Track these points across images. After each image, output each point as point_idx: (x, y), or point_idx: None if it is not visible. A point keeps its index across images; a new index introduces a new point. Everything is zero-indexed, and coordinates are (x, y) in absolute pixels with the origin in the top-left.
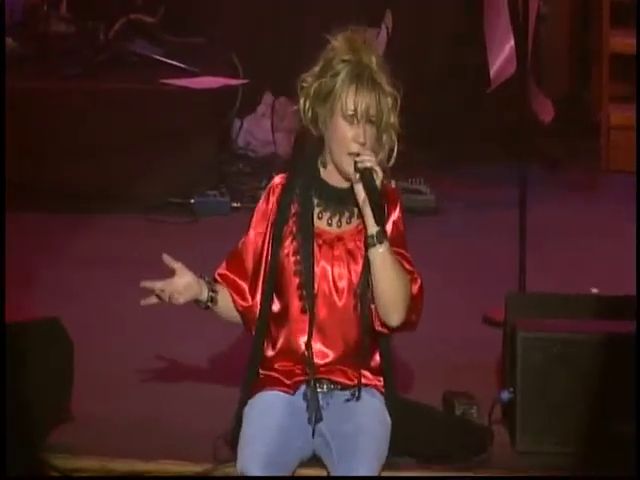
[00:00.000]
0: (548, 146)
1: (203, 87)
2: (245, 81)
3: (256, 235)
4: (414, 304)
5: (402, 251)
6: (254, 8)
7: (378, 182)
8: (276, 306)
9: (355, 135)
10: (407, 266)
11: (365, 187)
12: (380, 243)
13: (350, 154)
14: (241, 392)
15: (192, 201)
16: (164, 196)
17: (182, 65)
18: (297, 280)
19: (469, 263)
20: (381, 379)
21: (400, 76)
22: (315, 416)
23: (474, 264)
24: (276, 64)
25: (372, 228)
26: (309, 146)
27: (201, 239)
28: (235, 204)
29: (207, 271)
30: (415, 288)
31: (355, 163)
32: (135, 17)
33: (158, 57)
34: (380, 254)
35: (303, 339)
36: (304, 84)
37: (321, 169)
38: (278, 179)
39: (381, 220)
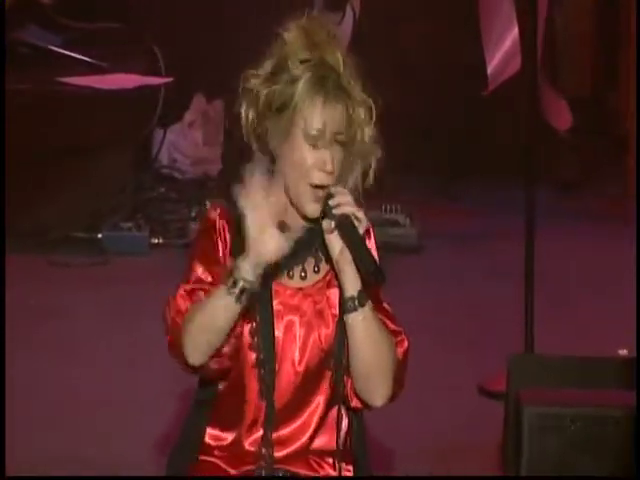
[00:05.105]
0: (562, 164)
1: (114, 87)
2: (169, 79)
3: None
4: (399, 373)
5: (383, 305)
6: None
7: (362, 230)
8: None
9: (319, 161)
10: (391, 325)
11: (345, 239)
12: (362, 306)
13: (313, 186)
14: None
15: (100, 236)
16: (64, 229)
17: (87, 58)
18: (254, 356)
19: (461, 316)
20: (351, 468)
21: (373, 77)
22: None
23: (467, 318)
24: (210, 57)
25: (352, 289)
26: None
27: (112, 285)
28: (156, 240)
29: (120, 329)
30: (400, 352)
31: (325, 208)
32: None
33: (55, 48)
34: (362, 321)
35: (258, 430)
36: (249, 85)
37: None
38: (215, 214)
39: (377, 277)
